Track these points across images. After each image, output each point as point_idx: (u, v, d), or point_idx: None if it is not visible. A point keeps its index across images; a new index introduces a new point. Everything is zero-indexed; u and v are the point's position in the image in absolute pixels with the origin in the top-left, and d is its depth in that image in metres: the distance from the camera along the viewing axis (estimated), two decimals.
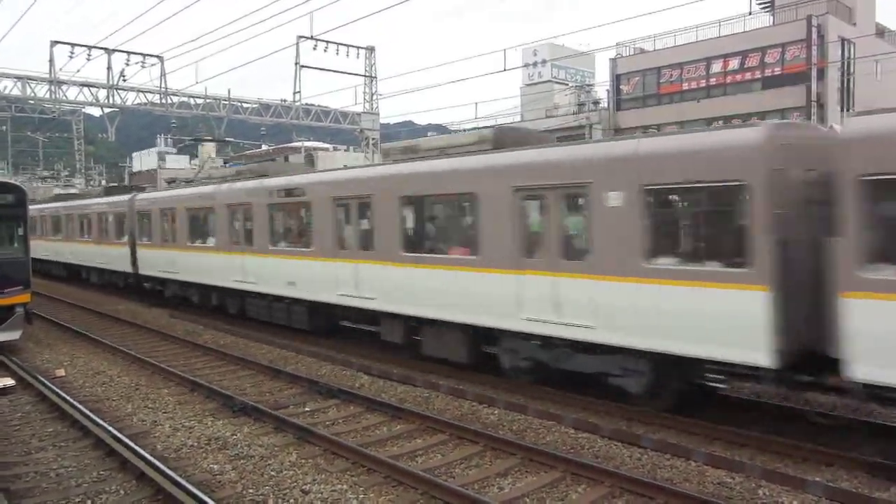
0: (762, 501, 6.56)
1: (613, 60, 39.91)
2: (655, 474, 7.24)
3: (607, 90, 40.75)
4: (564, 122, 40.15)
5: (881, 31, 37.73)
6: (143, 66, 32.66)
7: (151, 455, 7.71)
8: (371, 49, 38.71)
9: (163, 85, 33.74)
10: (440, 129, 53.13)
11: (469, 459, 7.88)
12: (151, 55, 33.19)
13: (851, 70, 33.34)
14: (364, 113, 39.07)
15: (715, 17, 74.07)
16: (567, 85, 48.45)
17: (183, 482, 6.83)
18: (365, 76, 39.00)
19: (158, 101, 34.84)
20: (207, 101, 35.70)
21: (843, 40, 32.71)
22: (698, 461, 7.53)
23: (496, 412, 9.57)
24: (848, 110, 31.96)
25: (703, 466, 7.40)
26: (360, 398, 10.25)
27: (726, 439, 8.24)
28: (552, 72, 50.07)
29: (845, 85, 33.06)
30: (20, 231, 14.64)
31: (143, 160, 73.61)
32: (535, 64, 48.10)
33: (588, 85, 45.49)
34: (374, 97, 38.72)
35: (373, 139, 38.48)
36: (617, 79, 39.72)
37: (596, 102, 41.66)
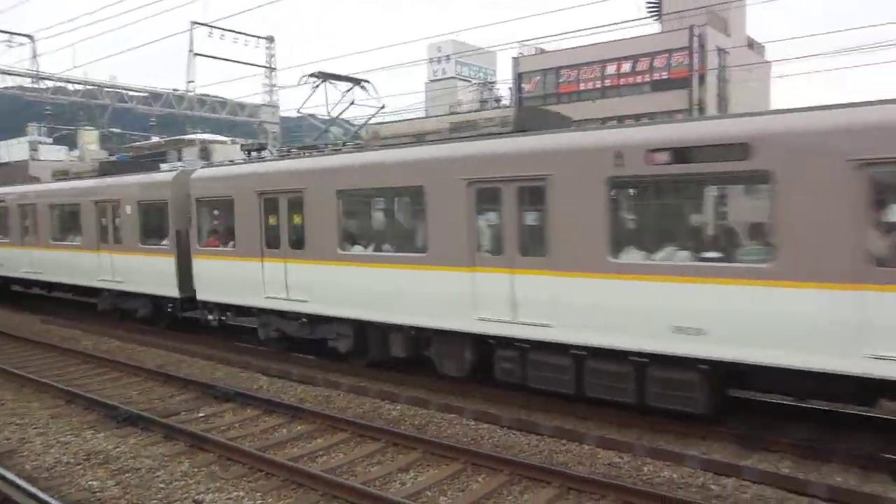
0: (646, 477, 6.96)
1: (516, 59, 40.83)
2: (552, 459, 7.50)
3: (510, 88, 41.66)
4: (468, 119, 40.57)
5: (751, 43, 40.79)
6: (10, 46, 30.05)
7: (18, 476, 7.06)
8: (270, 38, 37.60)
9: (34, 67, 31.18)
10: (343, 123, 52.39)
11: (371, 457, 7.83)
12: (20, 34, 30.59)
13: (726, 77, 35.78)
14: (263, 105, 37.90)
15: (612, 19, 77.47)
16: (470, 82, 49.13)
17: (54, 503, 6.31)
18: (264, 67, 37.85)
19: (29, 86, 32.16)
20: (88, 87, 33.32)
21: (719, 50, 35.05)
22: (591, 444, 7.89)
23: (398, 408, 9.57)
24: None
25: (596, 449, 7.76)
26: (259, 400, 9.93)
27: (618, 422, 8.65)
28: (456, 68, 50.61)
29: (721, 91, 35.44)
30: None
31: (10, 150, 67.11)
32: (438, 60, 48.43)
33: (490, 82, 46.31)
34: (274, 89, 37.66)
35: (272, 132, 37.41)
36: (519, 77, 40.67)
37: (497, 100, 42.50)
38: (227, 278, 12.78)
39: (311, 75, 12.91)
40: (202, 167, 14.30)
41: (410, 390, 10.36)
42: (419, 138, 10.45)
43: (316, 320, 11.63)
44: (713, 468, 7.06)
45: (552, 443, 7.99)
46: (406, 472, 7.35)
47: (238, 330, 14.73)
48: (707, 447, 7.76)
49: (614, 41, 36.73)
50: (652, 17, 39.87)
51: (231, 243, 12.75)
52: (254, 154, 13.53)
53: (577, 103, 37.63)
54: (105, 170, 16.99)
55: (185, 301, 14.01)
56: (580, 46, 38.41)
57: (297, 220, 11.64)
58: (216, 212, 13.77)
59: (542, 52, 40.84)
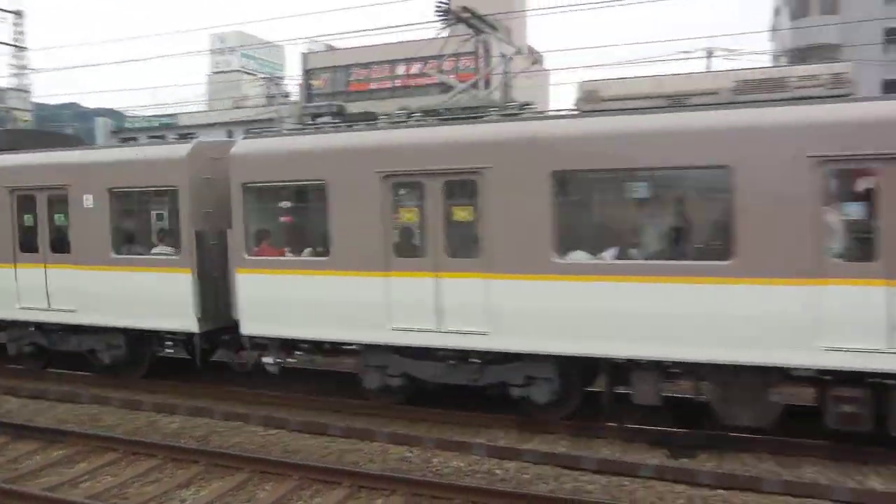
0: (436, 468, 7.24)
1: (305, 55, 40.16)
2: (342, 459, 7.49)
3: (299, 84, 40.86)
4: (255, 115, 39.15)
5: (531, 52, 44.68)
6: None
7: None
8: (18, 13, 32.80)
9: None
10: (112, 113, 47.43)
11: (146, 475, 7.25)
12: None
13: (510, 83, 38.79)
14: (11, 89, 32.95)
15: (403, 20, 79.64)
16: (255, 76, 47.33)
17: None
18: (12, 45, 32.91)
19: None
20: None
21: (503, 56, 37.82)
22: (382, 441, 8.00)
23: (178, 420, 8.97)
24: None
25: (386, 445, 7.89)
26: (6, 425, 8.64)
27: (408, 417, 8.88)
28: (241, 61, 48.42)
29: (504, 95, 38.35)
30: None
31: None
32: (221, 51, 45.94)
33: (278, 77, 45.02)
34: (25, 71, 32.91)
35: (24, 120, 32.67)
36: (307, 73, 40.06)
37: (286, 95, 41.42)
38: (308, 302, 8.99)
39: (446, 11, 9.83)
40: (244, 137, 9.87)
41: (190, 400, 9.72)
42: (676, 101, 7.61)
43: (490, 361, 8.36)
44: (497, 454, 7.51)
45: (343, 443, 7.99)
46: (186, 488, 6.90)
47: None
48: (492, 435, 8.23)
49: (404, 42, 37.83)
50: (440, 20, 41.71)
51: (308, 251, 9.31)
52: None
53: (368, 102, 38.20)
54: (14, 142, 11.72)
55: (204, 336, 9.90)
56: (370, 45, 38.97)
57: (461, 214, 8.51)
58: (284, 204, 9.99)
59: (332, 49, 40.68)
